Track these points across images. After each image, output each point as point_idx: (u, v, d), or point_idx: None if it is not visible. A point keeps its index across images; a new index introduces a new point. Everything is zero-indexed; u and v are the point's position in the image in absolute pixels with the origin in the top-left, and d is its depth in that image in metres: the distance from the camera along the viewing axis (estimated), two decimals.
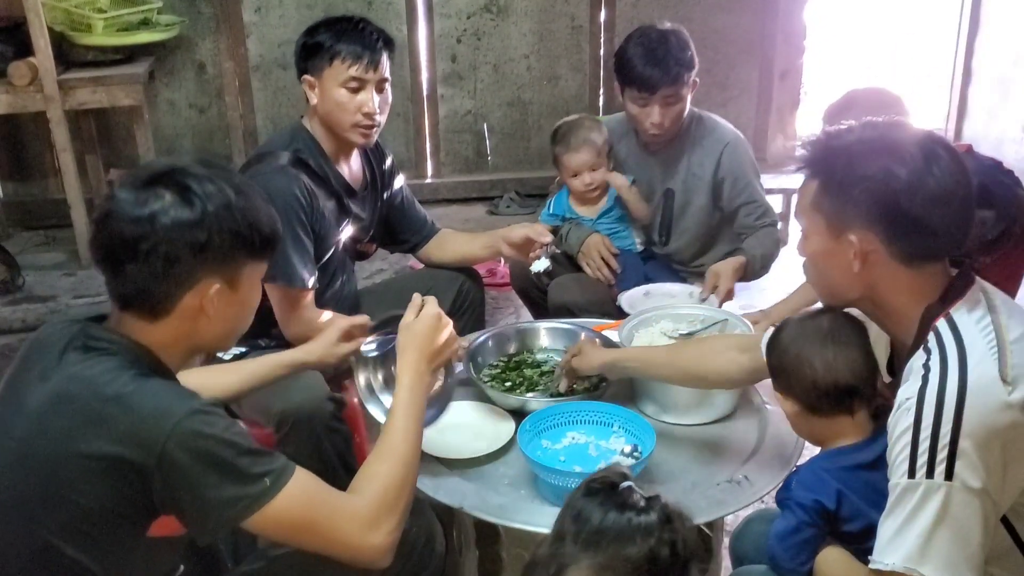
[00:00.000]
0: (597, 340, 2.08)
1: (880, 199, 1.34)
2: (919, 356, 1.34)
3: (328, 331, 1.94)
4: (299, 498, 1.37)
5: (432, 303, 1.68)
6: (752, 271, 2.60)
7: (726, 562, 2.19)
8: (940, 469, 1.24)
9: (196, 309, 1.39)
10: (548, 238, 2.42)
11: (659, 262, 2.78)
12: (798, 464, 1.68)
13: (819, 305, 1.63)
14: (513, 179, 4.78)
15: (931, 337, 1.34)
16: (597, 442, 1.82)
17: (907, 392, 1.31)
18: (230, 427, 1.36)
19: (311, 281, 2.23)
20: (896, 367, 1.47)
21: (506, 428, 1.91)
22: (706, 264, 2.80)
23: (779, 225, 2.74)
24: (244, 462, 1.33)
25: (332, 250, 2.38)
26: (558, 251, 2.67)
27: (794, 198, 4.18)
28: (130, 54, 4.04)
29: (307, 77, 2.29)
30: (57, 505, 1.31)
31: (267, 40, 4.46)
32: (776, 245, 2.67)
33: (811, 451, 1.94)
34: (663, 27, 2.55)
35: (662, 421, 1.94)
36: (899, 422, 1.30)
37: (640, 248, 2.75)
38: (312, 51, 2.27)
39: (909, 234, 1.34)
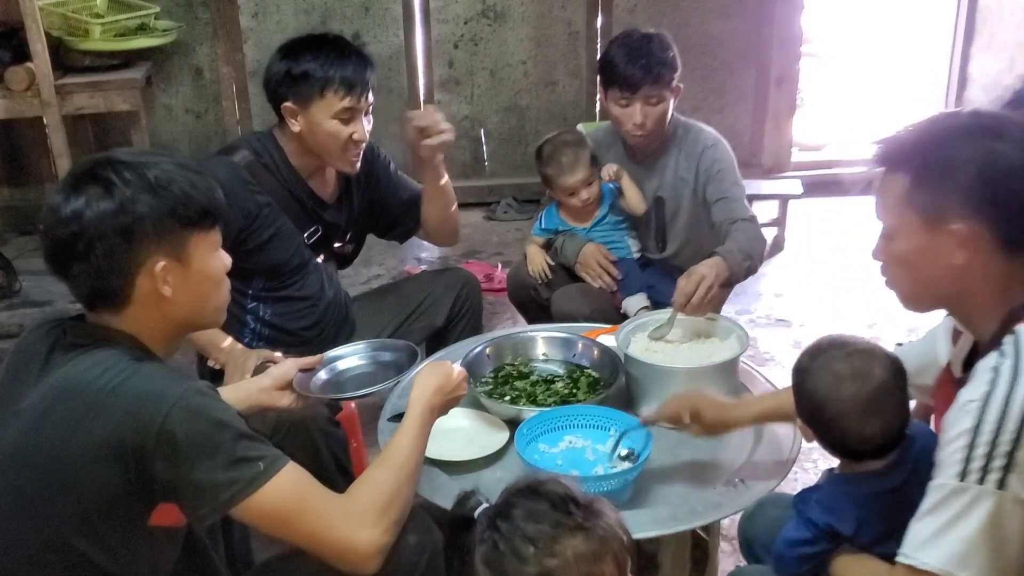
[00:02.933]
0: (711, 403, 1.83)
1: (988, 181, 1.29)
2: (991, 358, 1.29)
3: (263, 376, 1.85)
4: (291, 486, 1.38)
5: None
6: (735, 268, 2.35)
7: (723, 565, 2.20)
8: (993, 477, 1.22)
9: (152, 291, 1.40)
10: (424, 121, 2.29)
11: (657, 268, 2.78)
12: (831, 469, 1.57)
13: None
14: (510, 184, 4.78)
15: (1008, 340, 1.29)
16: (594, 446, 1.83)
17: (971, 394, 1.27)
18: (226, 410, 1.38)
19: None
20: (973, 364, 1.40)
21: (502, 433, 1.91)
22: None
23: (756, 221, 2.60)
24: (240, 445, 1.34)
25: (308, 261, 2.38)
26: (552, 263, 2.68)
27: (791, 204, 4.23)
28: (127, 59, 4.04)
29: (288, 105, 2.22)
30: (62, 499, 1.33)
31: (264, 45, 4.45)
32: (756, 239, 2.52)
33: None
34: (646, 30, 2.56)
35: (659, 425, 1.94)
36: (958, 422, 1.26)
37: (637, 255, 2.76)
38: (297, 81, 2.19)
39: (1019, 215, 1.29)
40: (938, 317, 1.59)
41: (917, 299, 1.43)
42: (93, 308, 1.43)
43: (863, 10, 7.08)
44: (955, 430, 1.26)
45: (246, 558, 1.88)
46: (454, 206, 2.54)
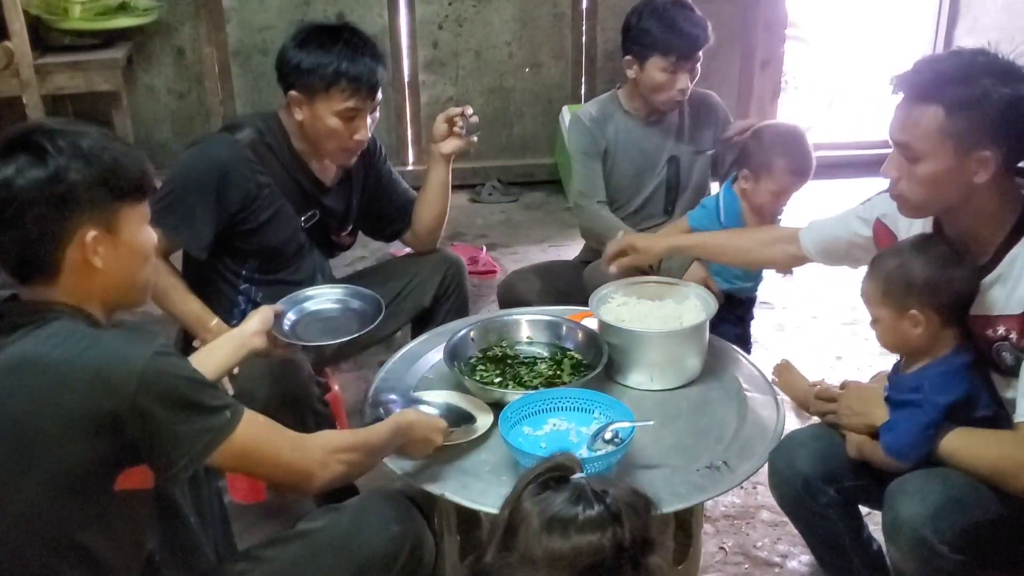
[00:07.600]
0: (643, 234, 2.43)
1: (1012, 116, 1.52)
2: None
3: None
4: (259, 423, 1.46)
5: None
6: None
7: (706, 547, 2.22)
8: None
9: (83, 262, 1.39)
10: (465, 110, 2.47)
11: None
12: (926, 366, 1.70)
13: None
14: (495, 167, 4.76)
15: None
16: (578, 428, 1.83)
17: None
18: (188, 364, 1.43)
19: (179, 241, 2.20)
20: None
21: (486, 415, 1.91)
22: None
23: None
24: (207, 395, 1.40)
25: (304, 246, 2.37)
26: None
27: None
28: (108, 39, 3.99)
29: (295, 94, 2.20)
30: (27, 476, 1.31)
31: (247, 26, 4.42)
32: None
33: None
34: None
35: (635, 388, 2.03)
36: None
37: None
38: (305, 73, 2.15)
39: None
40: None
41: (925, 209, 1.68)
42: (25, 281, 1.41)
43: None
44: None
45: (227, 544, 1.87)
46: (447, 208, 2.55)
